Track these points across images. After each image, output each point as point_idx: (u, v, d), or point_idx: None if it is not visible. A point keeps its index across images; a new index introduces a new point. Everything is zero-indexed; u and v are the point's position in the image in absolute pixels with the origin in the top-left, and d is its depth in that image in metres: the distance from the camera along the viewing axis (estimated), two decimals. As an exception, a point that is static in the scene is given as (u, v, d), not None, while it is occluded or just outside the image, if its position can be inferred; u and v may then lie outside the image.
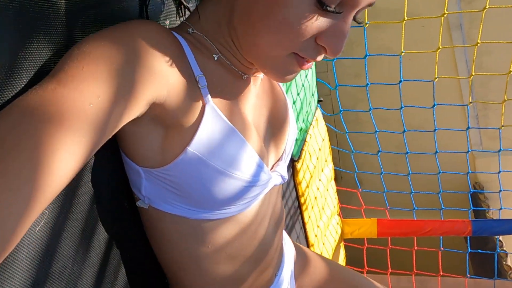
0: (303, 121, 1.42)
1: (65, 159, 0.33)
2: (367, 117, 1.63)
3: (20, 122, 0.32)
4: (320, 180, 1.69)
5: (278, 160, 0.66)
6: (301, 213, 1.57)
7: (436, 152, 1.62)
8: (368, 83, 1.43)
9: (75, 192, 0.49)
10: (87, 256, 0.52)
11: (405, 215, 1.91)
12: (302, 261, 0.83)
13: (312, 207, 1.62)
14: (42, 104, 0.33)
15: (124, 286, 0.61)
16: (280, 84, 0.72)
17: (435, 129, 1.54)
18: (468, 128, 1.51)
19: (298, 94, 1.33)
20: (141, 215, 0.60)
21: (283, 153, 0.67)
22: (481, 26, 1.19)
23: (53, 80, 0.36)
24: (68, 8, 0.45)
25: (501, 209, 1.84)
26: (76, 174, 0.36)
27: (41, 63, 0.42)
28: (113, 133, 0.40)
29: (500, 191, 1.76)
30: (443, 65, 2.18)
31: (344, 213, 2.01)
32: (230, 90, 0.55)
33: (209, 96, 0.50)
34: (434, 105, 1.45)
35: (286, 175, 0.65)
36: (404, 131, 1.58)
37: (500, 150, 1.57)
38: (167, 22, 0.66)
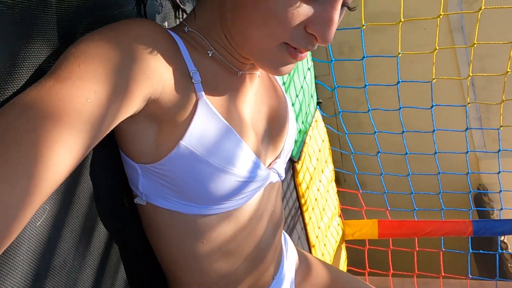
0: (302, 122, 1.44)
1: (63, 153, 0.34)
2: (368, 121, 1.64)
3: (19, 117, 0.33)
4: (320, 181, 1.70)
5: (276, 158, 0.67)
6: (302, 214, 1.58)
7: (436, 152, 1.63)
8: (367, 84, 1.45)
9: (75, 188, 0.51)
10: (87, 251, 0.53)
11: (406, 216, 1.91)
12: (304, 267, 0.83)
13: (313, 208, 1.63)
14: (40, 100, 0.35)
15: (123, 282, 0.62)
16: (280, 83, 0.73)
17: (434, 130, 1.55)
18: (467, 128, 1.52)
19: (297, 96, 1.35)
20: (139, 212, 0.61)
21: (281, 151, 0.68)
22: (477, 26, 1.20)
23: (51, 77, 0.37)
24: (67, 9, 0.47)
25: (501, 209, 1.84)
26: (75, 170, 0.38)
27: (40, 62, 0.44)
28: (110, 129, 0.41)
29: (501, 191, 1.76)
30: (446, 67, 2.18)
31: (345, 214, 2.02)
32: (225, 86, 0.56)
33: (202, 91, 0.51)
34: (432, 106, 1.46)
35: (283, 173, 0.66)
36: (403, 131, 1.59)
37: (499, 150, 1.58)
38: (166, 24, 0.68)
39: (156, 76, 0.45)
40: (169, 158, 0.51)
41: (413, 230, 1.81)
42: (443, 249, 1.85)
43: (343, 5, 0.48)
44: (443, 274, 1.85)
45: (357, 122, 2.52)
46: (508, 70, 1.29)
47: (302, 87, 1.39)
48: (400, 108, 1.51)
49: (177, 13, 0.72)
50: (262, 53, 0.51)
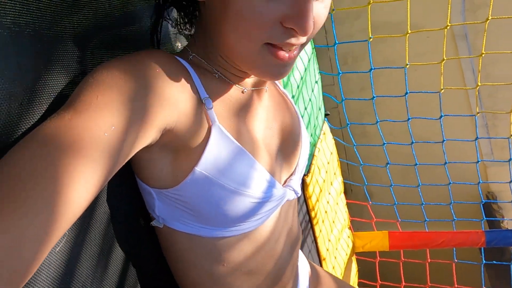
0: (311, 135, 1.43)
1: (81, 186, 0.34)
2: (374, 130, 1.63)
3: (38, 152, 0.33)
4: (329, 193, 1.69)
5: (291, 174, 0.66)
6: (312, 227, 1.56)
7: (446, 163, 1.62)
8: (374, 96, 1.44)
9: (92, 212, 0.51)
10: (105, 274, 0.53)
11: (417, 227, 1.89)
12: (315, 280, 0.83)
13: (323, 221, 1.61)
14: (59, 133, 0.35)
15: (140, 304, 0.62)
16: (289, 96, 0.73)
17: (444, 140, 1.54)
18: (477, 138, 1.51)
19: (305, 109, 1.35)
20: (157, 234, 0.61)
21: (296, 167, 0.67)
22: (485, 36, 1.20)
23: (69, 109, 0.37)
24: (81, 32, 0.47)
25: (514, 219, 1.82)
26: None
27: (58, 88, 0.44)
28: (127, 160, 0.41)
29: (512, 201, 1.74)
30: (450, 74, 2.17)
31: (355, 226, 2.00)
32: (234, 106, 0.56)
33: (215, 117, 0.51)
34: (441, 116, 1.46)
35: (299, 189, 0.65)
36: (412, 142, 1.58)
37: (510, 159, 1.56)
38: (178, 44, 0.69)
39: (171, 107, 0.45)
40: (184, 184, 0.51)
41: (424, 241, 1.78)
42: (456, 260, 1.82)
43: None
44: (456, 285, 1.82)
45: (362, 132, 2.51)
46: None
47: (310, 99, 1.39)
48: (409, 119, 1.50)
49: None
50: (249, 59, 0.50)
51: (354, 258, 2.00)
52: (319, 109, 1.53)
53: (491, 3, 1.14)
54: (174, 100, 0.45)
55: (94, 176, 0.35)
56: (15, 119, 0.38)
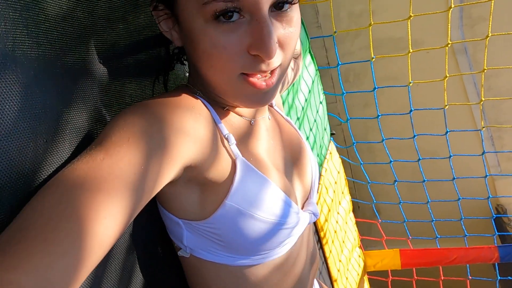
0: (317, 155, 1.44)
1: (110, 226, 0.35)
2: (380, 146, 1.64)
3: (73, 190, 0.34)
4: (338, 213, 1.68)
5: (308, 198, 0.68)
6: (322, 248, 1.55)
7: (454, 178, 1.61)
8: (379, 114, 1.45)
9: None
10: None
11: (428, 244, 1.86)
12: None
13: (333, 241, 1.60)
14: (92, 173, 0.36)
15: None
16: (291, 121, 0.74)
17: (451, 156, 1.53)
18: (484, 152, 1.51)
19: (311, 130, 1.36)
20: (182, 263, 0.62)
21: (310, 190, 0.68)
22: (486, 52, 1.22)
23: (101, 149, 0.39)
24: (102, 69, 0.50)
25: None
26: None
27: (80, 125, 0.46)
28: (153, 196, 0.43)
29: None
30: (451, 88, 2.18)
31: (365, 245, 1.97)
32: (249, 139, 0.58)
33: (238, 151, 0.53)
34: (447, 131, 1.46)
35: (318, 211, 0.66)
36: (419, 159, 1.58)
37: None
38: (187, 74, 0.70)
39: (196, 146, 0.46)
40: (215, 216, 0.52)
41: (436, 258, 1.76)
42: (470, 277, 1.79)
43: (273, 9, 0.46)
44: (472, 303, 1.79)
45: (367, 148, 2.52)
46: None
47: (315, 120, 1.40)
48: (415, 136, 1.50)
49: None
50: (230, 91, 0.51)
51: (366, 278, 1.96)
52: (325, 129, 1.53)
53: (490, 19, 1.16)
54: (198, 140, 0.47)
55: (122, 214, 0.36)
56: (41, 157, 0.39)
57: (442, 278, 1.82)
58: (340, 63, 1.35)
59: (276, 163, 0.61)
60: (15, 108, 0.36)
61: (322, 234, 1.53)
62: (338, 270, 1.63)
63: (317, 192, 1.46)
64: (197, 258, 0.58)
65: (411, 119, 1.44)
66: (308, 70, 1.32)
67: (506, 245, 1.70)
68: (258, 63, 0.47)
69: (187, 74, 0.71)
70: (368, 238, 1.94)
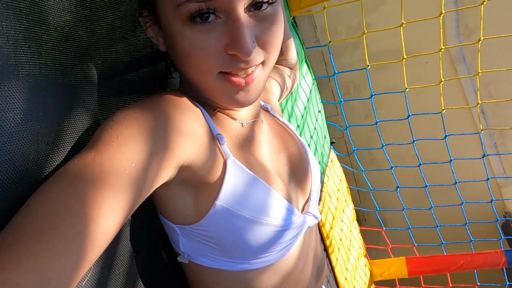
0: (319, 163, 1.45)
1: (105, 222, 0.36)
2: (382, 156, 1.65)
3: (64, 190, 0.35)
4: (342, 221, 1.68)
5: (307, 201, 0.67)
6: (328, 256, 1.55)
7: (456, 182, 1.61)
8: (378, 121, 1.47)
9: (116, 246, 0.53)
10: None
11: (434, 250, 1.85)
12: None
13: (339, 249, 1.60)
14: (83, 172, 0.37)
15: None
16: (294, 127, 0.75)
17: (451, 160, 1.54)
18: (484, 155, 1.51)
19: (311, 138, 1.38)
20: (184, 269, 0.62)
21: (310, 192, 0.68)
22: (479, 56, 1.24)
23: (92, 149, 0.40)
24: (100, 78, 0.52)
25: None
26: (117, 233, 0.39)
27: (80, 127, 0.47)
28: (148, 194, 0.43)
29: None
30: (453, 98, 2.21)
31: (371, 254, 1.96)
32: (240, 140, 0.58)
33: (228, 151, 0.53)
34: (446, 136, 1.47)
35: (318, 214, 0.66)
36: (420, 164, 1.59)
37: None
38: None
39: (188, 140, 0.47)
40: (206, 218, 0.52)
41: (443, 265, 1.74)
42: (478, 283, 1.77)
43: (251, 9, 0.47)
44: (482, 310, 1.76)
45: (370, 159, 2.52)
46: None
47: (315, 128, 1.42)
48: (414, 141, 1.52)
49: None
50: (211, 90, 0.51)
51: (373, 288, 1.95)
52: (325, 137, 1.55)
53: (481, 24, 1.19)
54: (190, 132, 0.48)
55: (117, 209, 0.37)
56: (43, 158, 0.41)
57: (451, 285, 1.80)
58: (336, 72, 1.39)
59: (272, 164, 0.62)
60: (18, 111, 0.37)
61: (328, 242, 1.53)
62: (346, 279, 1.62)
63: (321, 199, 1.47)
64: (196, 264, 0.58)
65: (409, 124, 1.46)
66: (305, 79, 1.35)
67: (512, 249, 1.68)
68: (236, 62, 0.47)
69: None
70: (373, 246, 1.93)
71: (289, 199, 0.59)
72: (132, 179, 0.39)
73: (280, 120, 0.74)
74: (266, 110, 0.74)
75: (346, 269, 1.64)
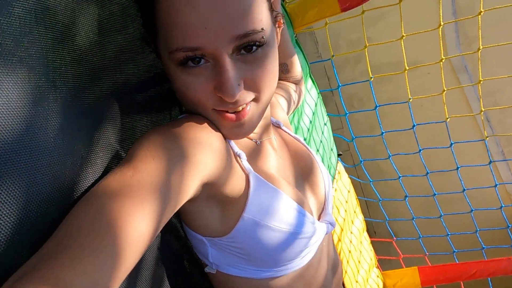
0: (327, 175, 1.47)
1: (143, 233, 0.39)
2: (389, 167, 1.67)
3: (107, 202, 0.38)
4: (352, 232, 1.69)
5: (323, 209, 0.71)
6: (338, 268, 1.55)
7: (464, 190, 1.62)
8: (383, 131, 1.50)
9: (143, 257, 0.56)
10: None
11: (446, 259, 1.85)
12: None
13: (348, 261, 1.60)
14: (123, 189, 0.40)
15: None
16: (300, 138, 0.79)
17: (458, 167, 1.56)
18: (491, 162, 1.53)
19: (317, 150, 1.40)
20: (210, 279, 0.65)
21: (325, 202, 0.71)
22: (479, 64, 1.27)
23: (129, 167, 0.43)
24: (111, 99, 0.54)
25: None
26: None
27: (109, 142, 0.51)
28: (178, 208, 0.46)
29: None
30: (457, 107, 2.23)
31: (383, 264, 1.96)
32: (257, 157, 0.62)
33: (249, 166, 0.57)
34: (451, 144, 1.49)
35: (334, 221, 0.69)
36: (427, 173, 1.60)
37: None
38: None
39: (213, 163, 0.50)
40: (235, 231, 0.55)
41: (457, 273, 1.73)
42: (493, 291, 1.75)
43: (239, 52, 0.48)
44: (497, 318, 1.74)
45: (378, 172, 2.54)
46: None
47: (321, 141, 1.45)
48: (420, 150, 1.54)
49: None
50: (209, 119, 0.54)
51: (386, 299, 1.93)
52: (331, 149, 1.58)
53: (479, 34, 1.23)
54: (214, 151, 0.51)
55: (152, 223, 0.40)
56: (78, 170, 0.44)
57: (464, 294, 1.78)
58: (340, 84, 1.42)
59: (286, 177, 0.65)
60: (55, 125, 0.41)
61: (337, 254, 1.54)
62: (357, 291, 1.62)
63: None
64: (223, 274, 0.61)
65: (415, 134, 1.48)
66: (310, 94, 1.38)
67: (525, 255, 1.67)
68: (225, 102, 0.50)
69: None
70: (384, 257, 1.93)
71: (307, 209, 0.63)
72: (164, 194, 0.42)
73: (291, 135, 0.78)
74: (278, 126, 0.78)
75: (356, 281, 1.64)
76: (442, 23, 1.22)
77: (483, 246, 1.76)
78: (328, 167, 1.54)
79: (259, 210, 0.55)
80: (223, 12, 0.44)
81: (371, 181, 1.72)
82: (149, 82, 0.65)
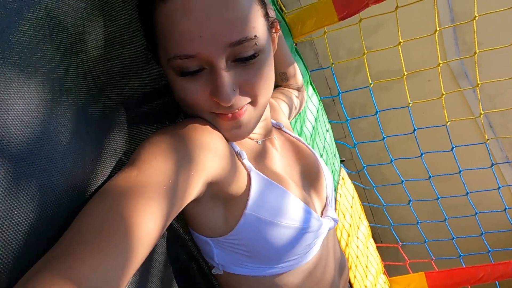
0: (330, 181, 1.49)
1: (151, 229, 0.41)
2: (392, 174, 1.68)
3: (115, 201, 0.40)
4: (358, 238, 1.69)
5: (325, 206, 0.72)
6: (345, 274, 1.55)
7: (467, 193, 1.63)
8: (384, 136, 1.52)
9: (152, 258, 0.58)
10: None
11: (453, 263, 1.84)
12: None
13: (356, 266, 1.60)
14: (129, 187, 0.42)
15: None
16: (301, 138, 0.81)
17: (460, 171, 1.57)
18: (493, 164, 1.54)
19: (321, 156, 1.42)
20: (217, 279, 0.66)
21: (326, 198, 0.73)
22: (476, 68, 1.30)
23: (134, 167, 0.45)
24: (116, 111, 0.57)
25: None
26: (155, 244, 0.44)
27: (117, 146, 0.53)
28: (183, 206, 0.48)
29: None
30: (459, 113, 2.25)
31: (390, 271, 1.95)
32: (257, 155, 0.64)
33: (250, 164, 0.59)
34: (452, 147, 1.51)
35: (336, 217, 0.71)
36: (430, 177, 1.62)
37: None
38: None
39: (215, 162, 0.52)
40: (238, 227, 0.57)
41: (464, 278, 1.73)
42: (501, 295, 1.74)
43: (235, 59, 0.50)
44: (507, 322, 1.73)
45: (382, 179, 2.55)
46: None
47: (324, 147, 1.47)
48: (422, 154, 1.55)
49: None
50: (208, 121, 0.57)
51: (394, 306, 1.92)
52: (334, 155, 1.60)
53: (475, 38, 1.25)
54: (216, 151, 0.53)
55: (158, 220, 0.42)
56: (89, 172, 0.47)
57: (473, 298, 1.77)
58: (340, 91, 1.45)
59: (290, 175, 0.67)
60: (67, 132, 0.43)
61: (344, 260, 1.55)
62: (365, 297, 1.62)
63: (334, 217, 1.50)
64: (230, 274, 0.62)
65: (416, 137, 1.50)
66: (311, 100, 1.41)
67: (532, 257, 1.67)
68: (221, 106, 0.53)
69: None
70: (391, 263, 1.92)
71: (311, 206, 0.65)
72: (169, 192, 0.44)
73: (292, 136, 0.80)
74: (279, 128, 0.80)
75: (365, 286, 1.64)
76: (438, 28, 1.24)
77: (489, 249, 1.76)
78: (332, 172, 1.56)
79: (263, 207, 0.57)
80: (216, 21, 0.46)
81: (374, 187, 1.73)
82: (154, 93, 0.67)
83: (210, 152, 0.51)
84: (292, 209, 0.59)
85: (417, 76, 2.28)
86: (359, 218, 1.79)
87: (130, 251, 0.38)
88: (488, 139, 1.48)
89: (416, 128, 1.47)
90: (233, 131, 0.57)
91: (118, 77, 0.57)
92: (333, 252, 0.72)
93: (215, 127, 0.57)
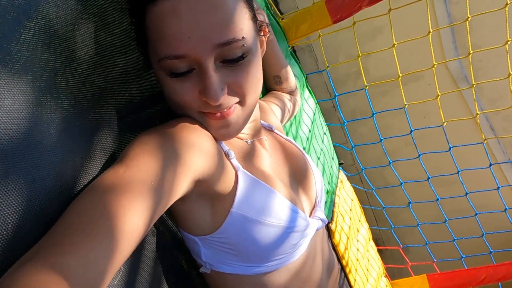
0: (328, 183, 1.50)
1: (136, 223, 0.42)
2: (393, 178, 1.68)
3: (103, 196, 0.42)
4: (358, 240, 1.69)
5: (314, 207, 0.73)
6: (346, 277, 1.55)
7: (467, 193, 1.63)
8: (382, 138, 1.53)
9: (141, 256, 0.58)
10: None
11: (455, 265, 1.83)
12: None
13: (356, 270, 1.60)
14: (117, 183, 0.43)
15: None
16: (292, 140, 0.82)
17: (458, 171, 1.57)
18: (491, 164, 1.54)
19: (318, 159, 1.43)
20: (205, 278, 0.67)
21: (315, 199, 0.74)
22: (471, 67, 1.31)
23: (122, 164, 0.46)
24: (114, 118, 0.58)
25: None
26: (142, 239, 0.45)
27: (108, 145, 0.55)
28: (170, 203, 0.49)
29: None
30: (460, 116, 2.25)
31: (391, 274, 1.94)
32: (246, 155, 0.65)
33: (238, 163, 0.60)
34: (450, 148, 1.51)
35: (325, 217, 0.71)
36: (428, 178, 1.62)
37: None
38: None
39: (203, 161, 0.53)
40: (224, 226, 0.58)
41: (466, 279, 1.71)
42: (504, 296, 1.73)
43: (223, 60, 0.52)
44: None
45: (384, 183, 2.54)
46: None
47: (322, 150, 1.47)
48: (420, 155, 1.56)
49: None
50: (197, 120, 0.58)
51: (397, 309, 1.91)
52: (332, 158, 1.61)
53: (469, 39, 1.26)
54: (204, 150, 0.54)
55: (144, 214, 0.43)
56: (78, 169, 0.48)
57: (476, 300, 1.76)
58: (337, 94, 1.46)
59: (276, 174, 0.68)
60: (57, 129, 0.44)
61: (344, 262, 1.54)
62: (366, 301, 1.61)
63: (333, 220, 1.50)
64: (217, 272, 0.63)
65: (413, 139, 1.50)
66: (308, 103, 1.42)
67: (534, 258, 1.66)
68: (209, 105, 0.54)
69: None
70: (393, 266, 1.92)
71: (299, 206, 0.65)
72: (156, 189, 0.45)
73: (283, 137, 0.81)
74: (270, 130, 0.81)
75: (367, 289, 1.64)
76: (431, 30, 1.26)
77: (491, 250, 1.75)
78: (330, 175, 1.56)
79: (249, 206, 0.58)
80: (204, 22, 0.48)
81: (373, 189, 1.73)
82: (149, 99, 0.69)
83: (197, 151, 0.52)
84: (279, 208, 0.60)
85: (417, 80, 2.29)
86: (359, 220, 1.79)
87: (116, 244, 0.39)
88: (485, 139, 1.48)
89: (412, 130, 1.48)
90: (221, 130, 0.58)
91: (116, 83, 0.58)
92: (321, 253, 0.72)
93: (204, 126, 0.58)
